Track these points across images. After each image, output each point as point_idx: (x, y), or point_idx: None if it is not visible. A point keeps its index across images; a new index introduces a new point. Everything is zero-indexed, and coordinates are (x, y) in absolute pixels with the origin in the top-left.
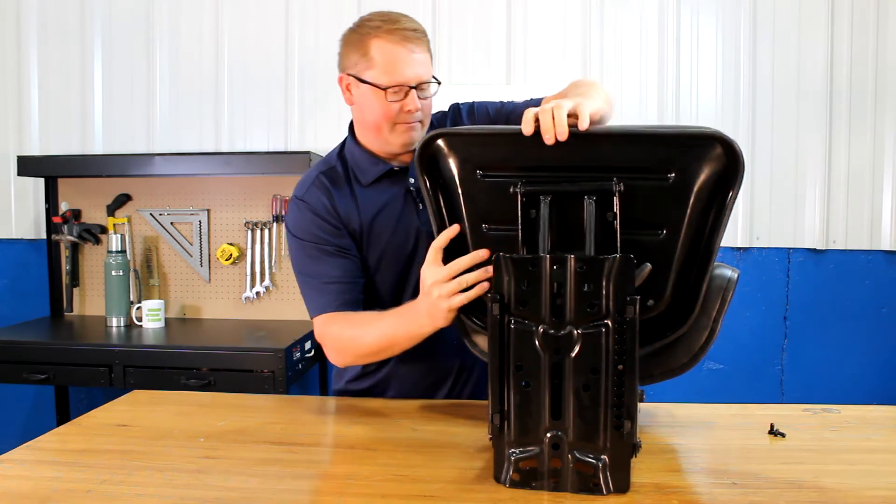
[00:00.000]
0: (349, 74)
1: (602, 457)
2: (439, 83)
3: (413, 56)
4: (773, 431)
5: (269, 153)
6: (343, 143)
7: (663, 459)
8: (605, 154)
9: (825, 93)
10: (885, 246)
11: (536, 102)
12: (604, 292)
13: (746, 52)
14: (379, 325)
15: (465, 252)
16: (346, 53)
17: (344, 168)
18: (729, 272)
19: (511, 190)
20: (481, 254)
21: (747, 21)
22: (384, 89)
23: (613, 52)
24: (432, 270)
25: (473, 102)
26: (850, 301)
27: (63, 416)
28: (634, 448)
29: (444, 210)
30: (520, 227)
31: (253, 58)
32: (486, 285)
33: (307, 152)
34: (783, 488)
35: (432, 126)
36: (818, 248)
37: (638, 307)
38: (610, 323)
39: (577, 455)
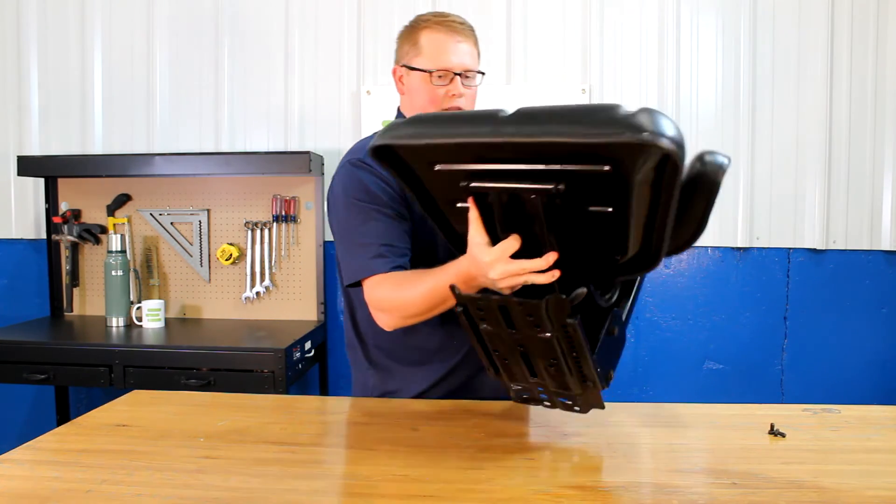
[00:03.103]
0: (402, 66)
1: (577, 397)
2: (483, 74)
3: (458, 45)
4: (773, 431)
5: (269, 153)
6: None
7: (663, 459)
8: (542, 153)
9: (825, 92)
10: (885, 246)
11: None
12: (544, 320)
13: (746, 52)
14: (427, 283)
15: (446, 222)
16: (399, 46)
17: None
18: (720, 158)
19: (461, 184)
20: (550, 258)
21: (747, 21)
22: (430, 73)
23: (613, 52)
24: (495, 256)
25: None
26: (850, 301)
27: (63, 416)
28: (607, 382)
29: (420, 189)
30: (477, 215)
31: (253, 58)
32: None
33: (307, 152)
34: (783, 488)
35: None
36: (818, 248)
37: (578, 328)
38: (555, 336)
39: (558, 397)
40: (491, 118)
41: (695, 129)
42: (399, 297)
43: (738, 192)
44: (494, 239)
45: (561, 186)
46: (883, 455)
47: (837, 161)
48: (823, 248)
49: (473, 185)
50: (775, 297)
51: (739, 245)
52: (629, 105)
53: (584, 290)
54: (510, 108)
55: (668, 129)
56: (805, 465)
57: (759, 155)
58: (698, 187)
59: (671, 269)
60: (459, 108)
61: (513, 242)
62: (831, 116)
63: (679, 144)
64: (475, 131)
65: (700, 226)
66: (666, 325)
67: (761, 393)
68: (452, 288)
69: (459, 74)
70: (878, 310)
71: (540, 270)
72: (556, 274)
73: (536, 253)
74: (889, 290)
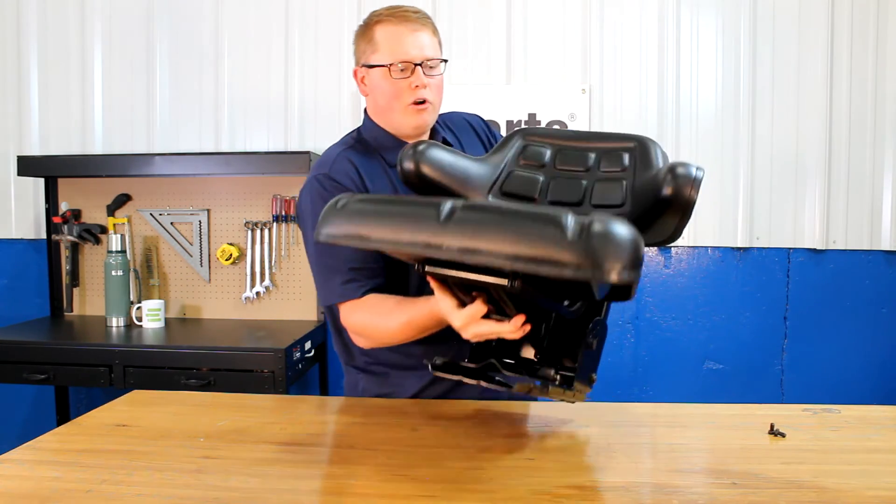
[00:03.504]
0: (361, 66)
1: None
2: (446, 61)
3: (415, 34)
4: (773, 431)
5: (269, 153)
6: (358, 129)
7: (663, 459)
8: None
9: (825, 92)
10: (885, 246)
11: None
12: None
13: (746, 52)
14: (402, 316)
15: (405, 269)
16: (356, 47)
17: (368, 147)
18: (693, 170)
19: (415, 267)
20: (518, 322)
21: (747, 21)
22: (389, 66)
23: (613, 53)
24: (465, 321)
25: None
26: (850, 301)
27: (63, 416)
28: (590, 384)
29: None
30: (439, 285)
31: (253, 57)
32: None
33: (307, 152)
34: (783, 488)
35: (442, 129)
36: (818, 248)
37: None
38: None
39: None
40: (427, 225)
41: (695, 129)
42: (374, 326)
43: (738, 192)
44: (462, 294)
45: (517, 283)
46: (883, 455)
47: (837, 161)
48: (823, 248)
49: (428, 269)
50: (775, 297)
51: (739, 245)
52: (573, 215)
53: (556, 376)
54: (452, 202)
55: (620, 258)
56: (805, 465)
57: (759, 155)
58: (671, 205)
59: (671, 269)
60: (426, 101)
61: (480, 306)
62: (831, 116)
63: (633, 267)
64: (411, 239)
65: (673, 235)
66: (666, 325)
67: (761, 393)
68: (432, 366)
69: (420, 65)
70: (878, 310)
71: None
72: (526, 329)
73: (504, 309)
74: (889, 290)
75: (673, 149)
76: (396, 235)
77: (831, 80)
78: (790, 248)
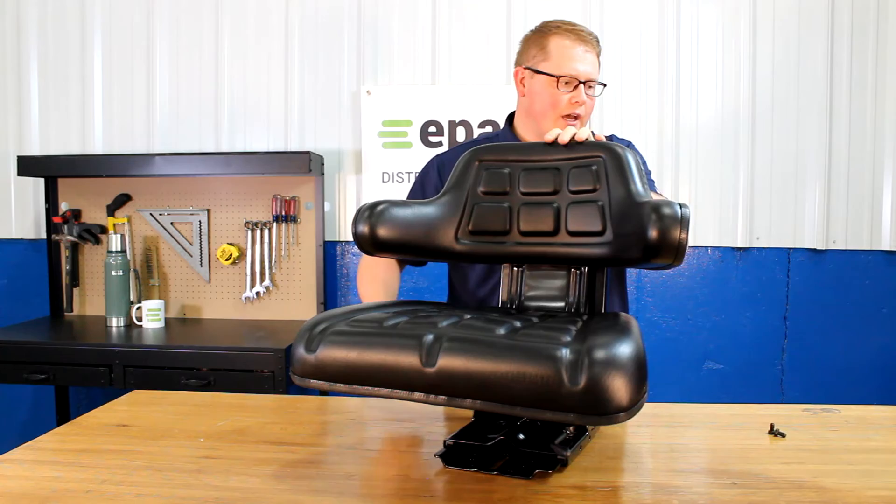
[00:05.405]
0: (526, 68)
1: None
2: (605, 86)
3: (586, 55)
4: (773, 431)
5: (269, 153)
6: (497, 133)
7: (663, 459)
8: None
9: (825, 92)
10: (885, 246)
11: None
12: None
13: (746, 52)
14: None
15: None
16: (525, 49)
17: None
18: (678, 209)
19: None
20: None
21: (747, 21)
22: (557, 78)
23: (613, 53)
24: None
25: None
26: (850, 301)
27: (63, 416)
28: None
29: None
30: None
31: (253, 57)
32: None
33: (307, 152)
34: (783, 488)
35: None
36: (818, 248)
37: None
38: None
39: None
40: (412, 375)
41: (695, 129)
42: (361, 291)
43: (738, 191)
44: None
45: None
46: (883, 455)
47: (837, 161)
48: (823, 248)
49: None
50: (775, 297)
51: (739, 245)
52: (569, 348)
53: (566, 454)
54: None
55: (617, 400)
56: (805, 465)
57: (759, 155)
58: (661, 249)
59: (671, 269)
60: (579, 116)
61: None
62: (831, 116)
63: (633, 409)
64: (397, 382)
65: (671, 265)
66: (666, 325)
67: (761, 393)
68: (444, 458)
69: (584, 83)
70: (878, 310)
71: None
72: None
73: None
74: (889, 290)
75: (673, 149)
76: (380, 376)
77: (831, 81)
78: (790, 248)
